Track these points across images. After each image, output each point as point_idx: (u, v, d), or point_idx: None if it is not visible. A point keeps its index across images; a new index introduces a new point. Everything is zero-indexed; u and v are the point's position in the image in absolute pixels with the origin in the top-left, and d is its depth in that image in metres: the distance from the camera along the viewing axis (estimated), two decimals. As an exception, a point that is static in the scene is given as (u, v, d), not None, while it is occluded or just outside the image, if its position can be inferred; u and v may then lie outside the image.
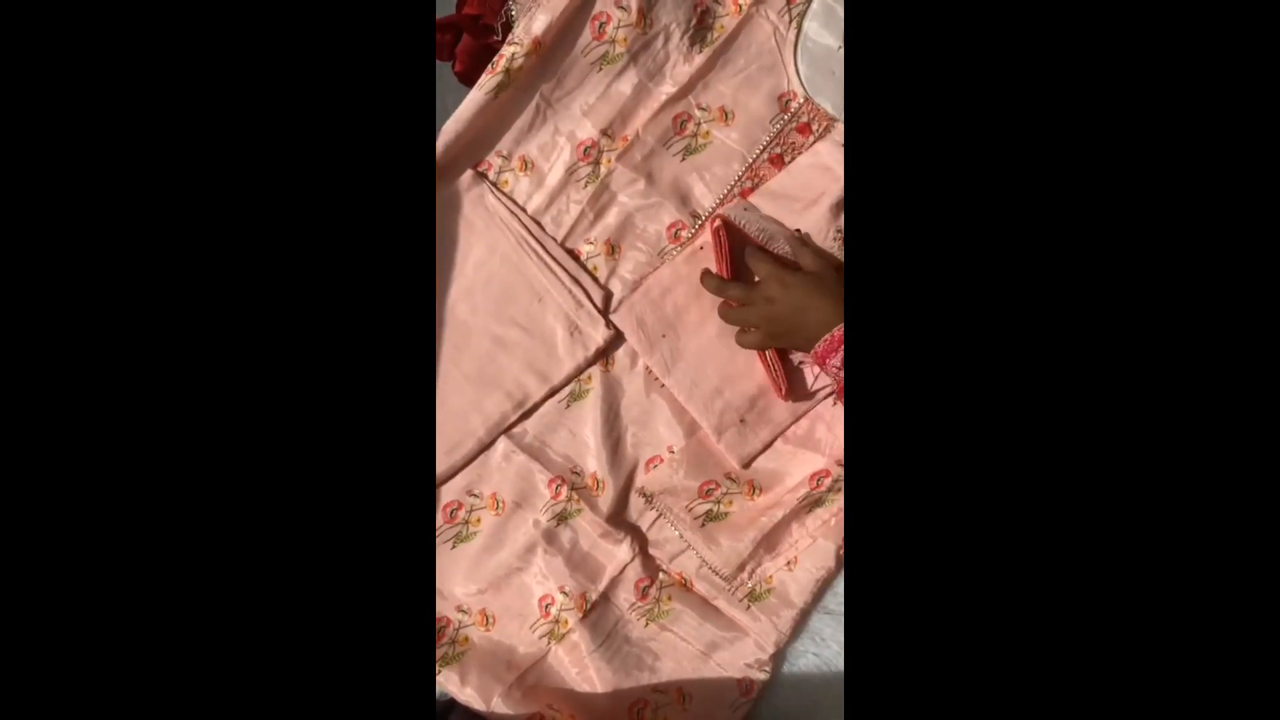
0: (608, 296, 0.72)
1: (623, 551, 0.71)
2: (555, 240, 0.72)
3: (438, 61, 0.73)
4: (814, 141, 0.70)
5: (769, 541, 0.71)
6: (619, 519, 0.73)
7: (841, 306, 0.62)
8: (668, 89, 0.70)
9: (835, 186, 0.68)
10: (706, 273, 0.68)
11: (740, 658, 0.71)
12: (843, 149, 0.68)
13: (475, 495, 0.72)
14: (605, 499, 0.72)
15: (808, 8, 0.68)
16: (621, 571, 0.71)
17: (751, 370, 0.70)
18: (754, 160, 0.70)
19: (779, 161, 0.70)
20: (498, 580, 0.72)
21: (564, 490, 0.71)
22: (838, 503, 0.70)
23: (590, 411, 0.72)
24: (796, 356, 0.71)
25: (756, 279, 0.67)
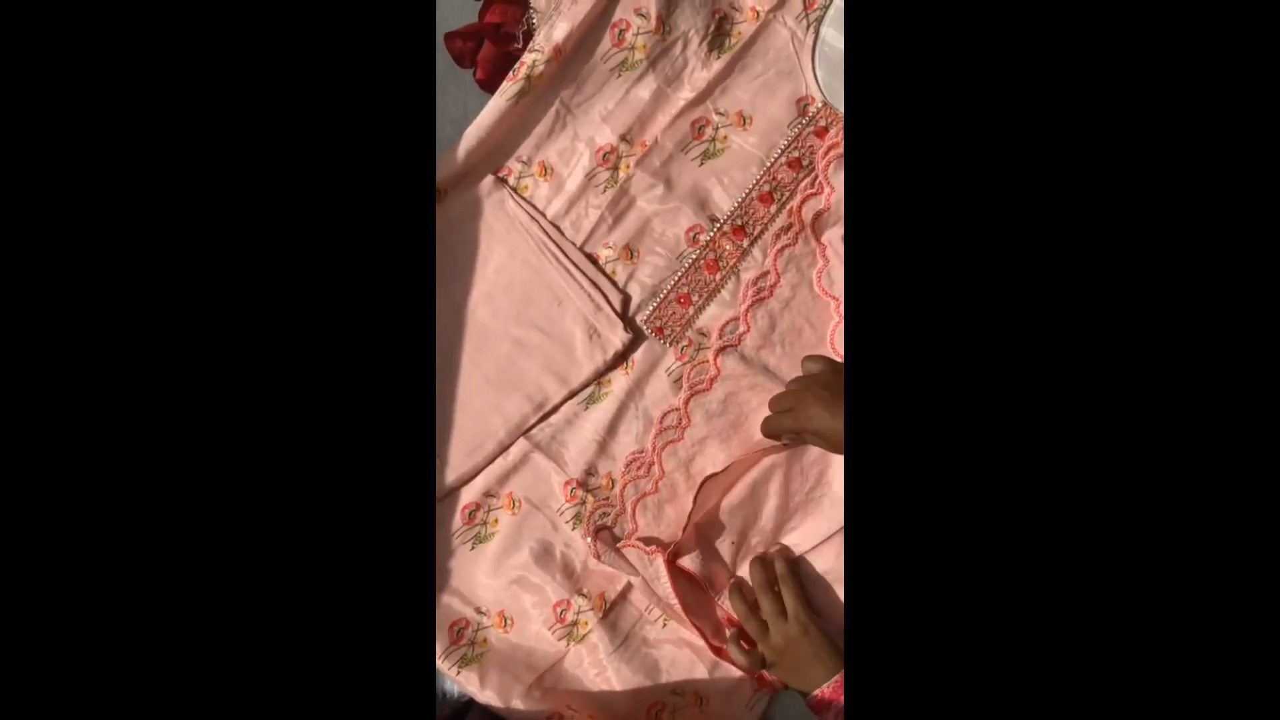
0: (626, 300, 0.72)
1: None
2: (574, 245, 0.72)
3: (461, 69, 0.74)
4: (829, 147, 0.70)
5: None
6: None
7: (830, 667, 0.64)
8: (686, 94, 0.71)
9: None
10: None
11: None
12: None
13: (493, 496, 0.73)
14: (618, 500, 0.72)
15: (825, 13, 0.69)
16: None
17: None
18: (772, 164, 0.70)
19: (796, 165, 0.70)
20: (515, 581, 0.72)
21: (579, 493, 0.72)
22: None
23: (608, 414, 0.72)
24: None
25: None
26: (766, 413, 0.67)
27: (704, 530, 0.71)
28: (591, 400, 0.73)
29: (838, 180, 0.69)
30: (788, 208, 0.71)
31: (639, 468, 0.72)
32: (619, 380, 0.72)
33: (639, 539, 0.71)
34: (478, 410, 0.72)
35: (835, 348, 0.70)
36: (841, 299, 0.69)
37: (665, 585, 0.68)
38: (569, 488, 0.72)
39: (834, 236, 0.69)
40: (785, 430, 0.65)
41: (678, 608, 0.68)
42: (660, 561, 0.68)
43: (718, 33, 0.70)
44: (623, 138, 0.71)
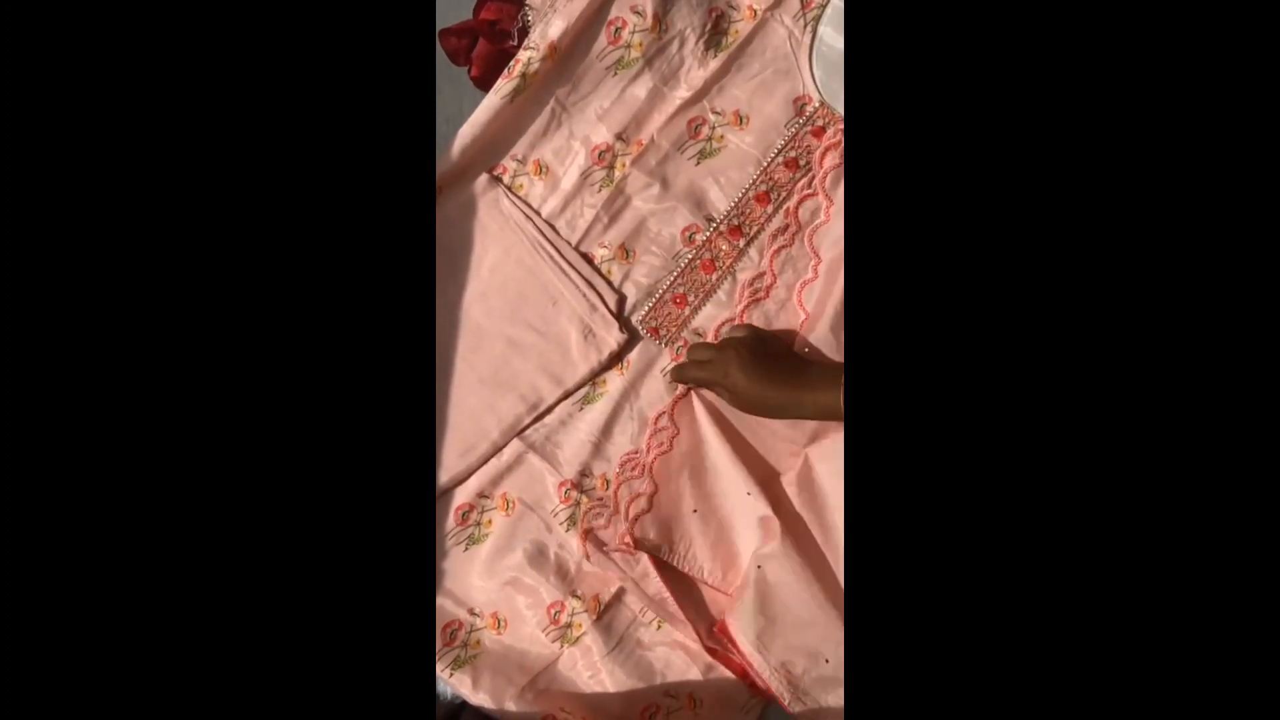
0: (621, 300, 0.72)
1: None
2: (569, 244, 0.72)
3: (455, 66, 0.73)
4: (825, 146, 0.69)
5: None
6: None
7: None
8: (682, 93, 0.70)
9: None
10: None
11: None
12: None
13: (486, 497, 0.73)
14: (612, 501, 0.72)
15: (822, 12, 0.69)
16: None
17: None
18: (768, 164, 0.70)
19: (794, 165, 0.70)
20: (509, 583, 0.72)
21: (573, 494, 0.71)
22: None
23: (603, 415, 0.72)
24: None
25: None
26: (763, 416, 0.67)
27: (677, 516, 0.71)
28: (586, 401, 0.72)
29: (838, 194, 0.69)
30: (785, 208, 0.70)
31: (634, 469, 0.71)
32: (614, 381, 0.72)
33: (625, 541, 0.70)
34: (471, 410, 0.72)
35: None
36: (813, 314, 0.69)
37: (656, 582, 0.68)
38: (563, 489, 0.72)
39: (833, 251, 0.68)
40: (696, 381, 0.68)
41: (671, 604, 0.68)
42: (646, 560, 0.68)
43: (714, 31, 0.70)
44: (619, 136, 0.71)
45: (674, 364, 0.70)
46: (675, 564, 0.70)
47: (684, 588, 0.71)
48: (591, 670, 0.71)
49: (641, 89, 0.70)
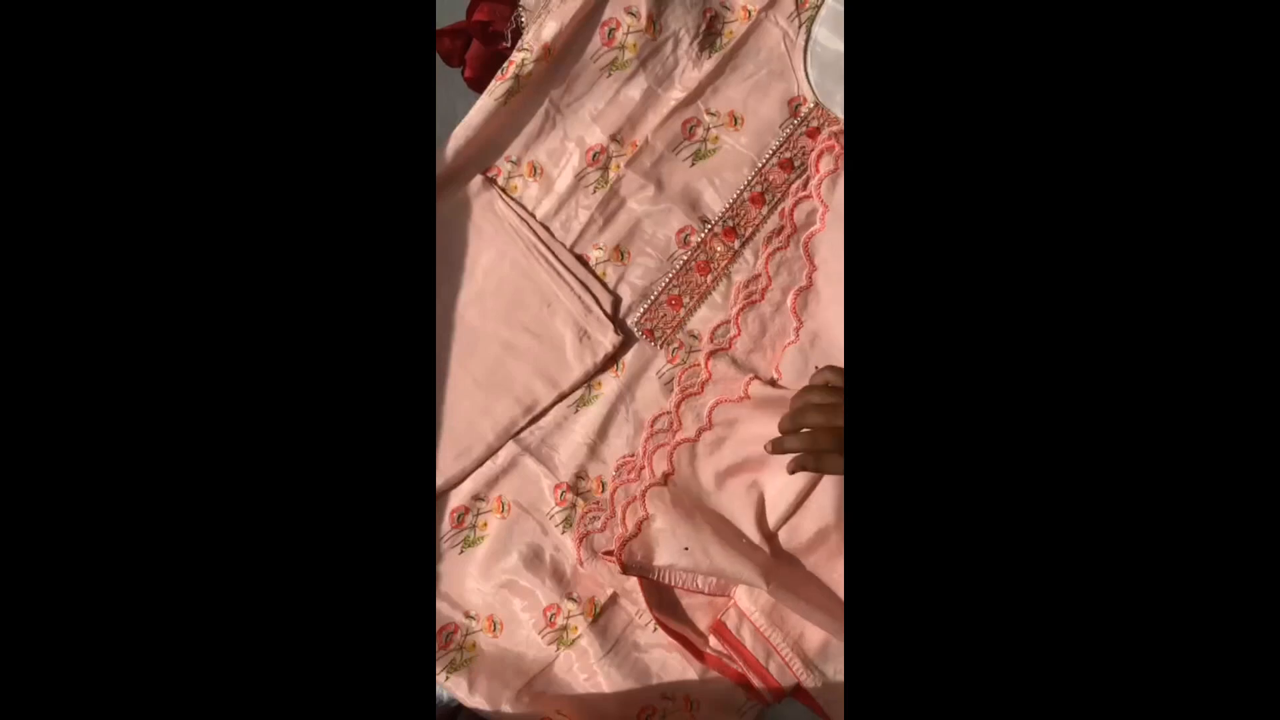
0: (616, 302, 0.72)
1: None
2: (564, 246, 0.72)
3: (449, 68, 0.73)
4: (819, 149, 0.69)
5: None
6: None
7: None
8: (677, 94, 0.70)
9: None
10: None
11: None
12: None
13: (482, 500, 0.72)
14: (609, 504, 0.72)
15: (817, 13, 0.68)
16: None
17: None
18: (764, 165, 0.70)
19: (788, 166, 0.70)
20: (505, 585, 0.72)
21: (569, 496, 0.71)
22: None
23: (598, 417, 0.72)
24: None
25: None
26: (757, 417, 0.67)
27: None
28: (582, 403, 0.72)
29: (832, 199, 0.69)
30: (780, 209, 0.70)
31: (630, 471, 0.71)
32: (609, 383, 0.72)
33: (610, 556, 0.69)
34: (466, 413, 0.72)
35: (779, 370, 0.70)
36: (807, 324, 0.69)
37: (641, 599, 0.68)
38: (559, 491, 0.72)
39: (828, 256, 0.68)
40: (805, 467, 0.58)
41: (658, 619, 0.68)
42: (635, 579, 0.68)
43: (709, 32, 0.70)
44: (613, 138, 0.71)
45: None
46: (666, 581, 0.69)
47: (669, 608, 0.71)
48: (588, 673, 0.71)
49: (636, 90, 0.70)
